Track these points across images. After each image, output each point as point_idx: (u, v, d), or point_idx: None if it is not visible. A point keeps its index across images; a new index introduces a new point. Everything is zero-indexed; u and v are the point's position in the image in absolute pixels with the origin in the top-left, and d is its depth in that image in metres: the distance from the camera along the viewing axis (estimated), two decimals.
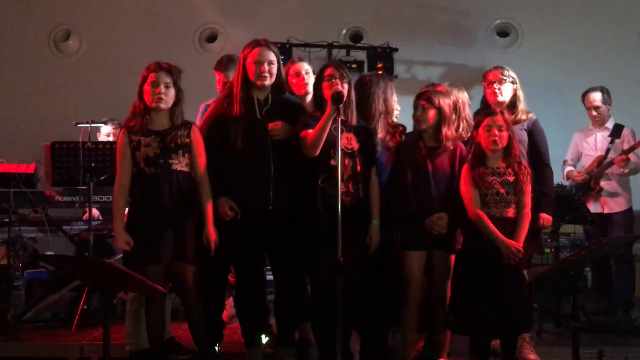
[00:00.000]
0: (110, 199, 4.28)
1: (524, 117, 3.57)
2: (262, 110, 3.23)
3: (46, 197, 4.35)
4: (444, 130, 3.18)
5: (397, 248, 3.26)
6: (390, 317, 3.44)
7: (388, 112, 3.39)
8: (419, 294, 3.22)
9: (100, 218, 4.48)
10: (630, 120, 4.76)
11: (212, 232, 3.10)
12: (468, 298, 3.11)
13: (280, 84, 3.30)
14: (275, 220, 3.20)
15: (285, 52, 5.47)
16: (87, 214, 4.59)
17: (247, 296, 3.29)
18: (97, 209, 4.38)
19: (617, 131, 4.54)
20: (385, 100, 3.37)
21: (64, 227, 4.37)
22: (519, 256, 3.04)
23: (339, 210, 2.86)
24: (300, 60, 3.79)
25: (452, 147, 3.22)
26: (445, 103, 3.22)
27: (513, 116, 3.52)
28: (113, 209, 3.17)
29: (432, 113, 3.19)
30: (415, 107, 3.25)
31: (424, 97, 3.22)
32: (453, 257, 3.24)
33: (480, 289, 3.08)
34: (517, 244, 3.05)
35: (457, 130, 3.34)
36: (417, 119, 3.23)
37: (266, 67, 3.18)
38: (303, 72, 3.68)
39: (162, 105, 3.10)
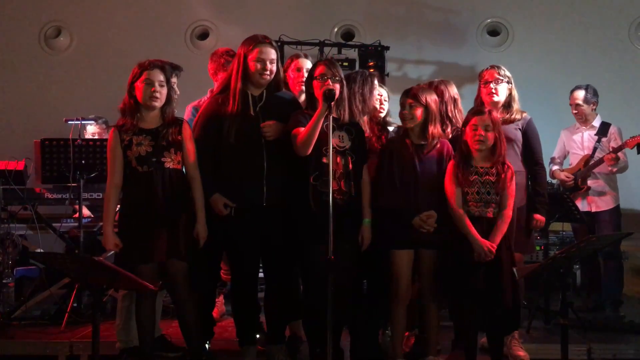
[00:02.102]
0: (100, 196, 4.29)
1: (518, 116, 3.59)
2: (256, 107, 3.23)
3: (36, 194, 4.32)
4: (431, 128, 3.18)
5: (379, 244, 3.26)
6: (380, 315, 3.46)
7: (368, 110, 3.38)
8: (407, 292, 3.23)
9: (92, 215, 4.47)
10: (617, 119, 4.80)
11: (203, 229, 3.10)
12: (454, 294, 3.14)
13: (277, 81, 3.29)
14: (268, 216, 3.20)
15: None
16: (77, 213, 4.58)
17: (244, 293, 3.29)
18: (87, 206, 4.36)
19: (603, 129, 4.58)
20: (363, 97, 3.35)
21: (54, 224, 4.35)
22: (490, 256, 3.07)
23: (331, 208, 2.87)
24: (306, 57, 3.78)
25: (438, 145, 3.23)
26: (432, 100, 3.21)
27: (508, 115, 3.55)
28: (104, 209, 3.15)
29: (419, 111, 3.19)
30: (402, 105, 3.25)
31: (411, 95, 3.21)
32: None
33: (467, 287, 3.10)
34: (491, 244, 3.07)
35: (442, 127, 3.34)
36: (404, 117, 3.24)
37: (268, 65, 3.17)
38: (304, 70, 3.68)
39: (157, 104, 3.09)
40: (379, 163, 3.30)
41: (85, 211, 4.40)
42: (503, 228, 3.12)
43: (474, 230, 3.10)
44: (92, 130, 4.78)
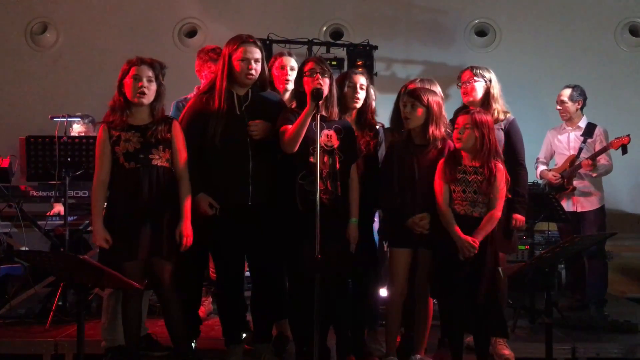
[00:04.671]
0: (86, 194, 4.26)
1: (501, 117, 3.58)
2: (241, 106, 3.23)
3: (21, 192, 4.29)
4: (431, 128, 3.19)
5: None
6: (365, 313, 3.47)
7: (347, 106, 3.36)
8: (403, 291, 3.24)
9: (62, 213, 4.43)
10: (604, 120, 4.85)
11: (187, 228, 3.07)
12: (442, 293, 3.16)
13: (262, 81, 3.29)
14: (255, 216, 3.19)
15: (266, 48, 5.39)
16: (53, 210, 4.55)
17: (229, 293, 3.28)
18: (73, 204, 4.32)
19: (589, 130, 4.62)
20: (342, 95, 3.32)
21: (39, 222, 4.32)
22: (473, 252, 3.06)
23: (318, 207, 2.87)
24: (289, 54, 3.77)
25: (440, 145, 3.23)
26: (434, 100, 3.21)
27: (489, 116, 3.55)
28: (92, 205, 3.14)
29: (420, 112, 3.19)
30: (404, 104, 3.26)
31: (414, 95, 3.21)
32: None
33: (454, 285, 3.11)
34: (473, 239, 3.06)
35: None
36: (405, 117, 3.24)
37: (253, 65, 3.17)
38: (288, 67, 3.67)
39: (145, 100, 3.07)
40: (382, 165, 3.32)
41: (60, 208, 4.37)
42: (488, 227, 3.12)
43: (455, 227, 3.09)
44: (78, 129, 4.74)
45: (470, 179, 3.15)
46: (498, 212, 3.16)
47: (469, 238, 3.08)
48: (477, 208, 3.15)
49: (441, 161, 3.20)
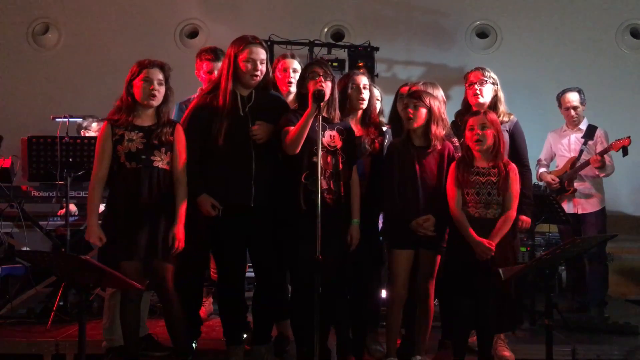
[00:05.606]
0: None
1: (506, 118, 3.60)
2: (245, 107, 3.23)
3: (22, 192, 4.30)
4: (433, 129, 3.20)
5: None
6: (366, 315, 3.47)
7: (353, 107, 3.38)
8: (404, 292, 3.25)
9: (77, 214, 4.43)
10: (604, 122, 4.85)
11: (179, 232, 3.06)
12: (448, 294, 3.16)
13: (265, 82, 3.29)
14: (257, 217, 3.19)
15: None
16: (63, 210, 4.56)
17: (230, 293, 3.28)
18: (75, 204, 4.34)
19: (590, 132, 4.62)
20: (347, 97, 3.34)
21: (41, 223, 4.33)
22: (489, 254, 3.07)
23: (319, 207, 2.87)
24: (293, 57, 3.78)
25: (439, 147, 3.24)
26: (435, 102, 3.23)
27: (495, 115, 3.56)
28: (88, 203, 3.14)
29: (423, 112, 3.21)
30: (406, 106, 3.26)
31: (415, 96, 3.23)
32: (439, 257, 3.28)
33: (461, 286, 3.12)
34: (489, 241, 3.08)
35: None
36: (407, 119, 3.25)
37: (259, 66, 3.17)
38: (290, 70, 3.68)
39: (154, 102, 3.08)
40: (382, 167, 3.33)
41: (73, 207, 4.37)
42: (504, 229, 3.13)
43: (471, 230, 3.10)
44: (96, 127, 4.74)
45: (484, 181, 3.16)
46: (513, 212, 3.18)
47: (484, 240, 3.08)
48: (491, 210, 3.15)
49: (452, 166, 3.20)
